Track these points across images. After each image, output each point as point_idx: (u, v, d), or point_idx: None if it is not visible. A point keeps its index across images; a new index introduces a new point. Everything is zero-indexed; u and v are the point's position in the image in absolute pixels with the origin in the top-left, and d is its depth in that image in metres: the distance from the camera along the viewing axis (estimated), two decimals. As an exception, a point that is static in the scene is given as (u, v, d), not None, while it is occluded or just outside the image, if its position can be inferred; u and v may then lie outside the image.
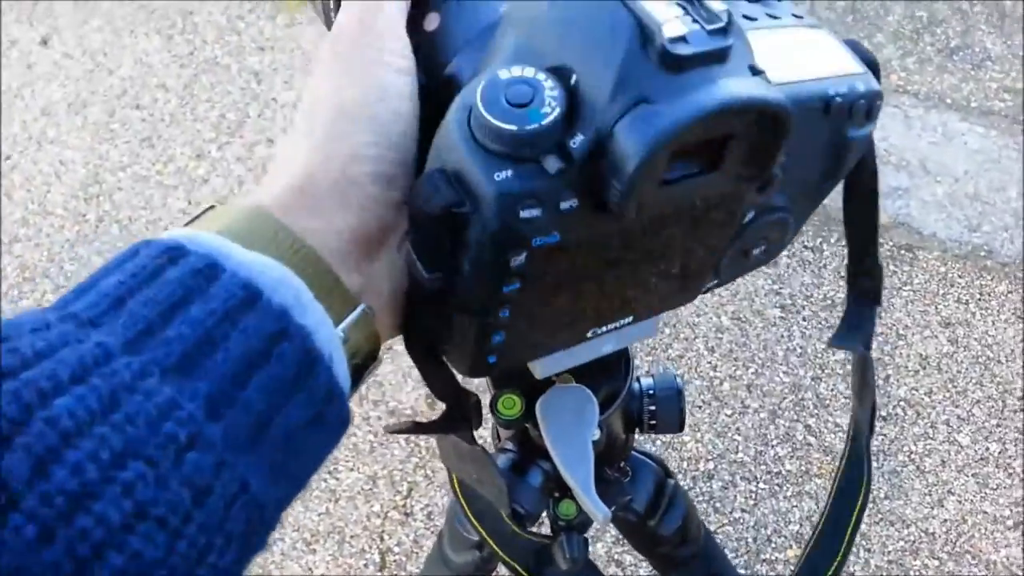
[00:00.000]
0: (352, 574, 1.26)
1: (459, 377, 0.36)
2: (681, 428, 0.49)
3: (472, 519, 0.54)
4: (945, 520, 1.29)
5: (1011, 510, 1.29)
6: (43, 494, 0.19)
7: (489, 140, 0.26)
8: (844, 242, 0.44)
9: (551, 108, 0.25)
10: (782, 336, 1.47)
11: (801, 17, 0.34)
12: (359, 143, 0.29)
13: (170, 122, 1.85)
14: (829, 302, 1.50)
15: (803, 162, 0.33)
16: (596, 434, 0.39)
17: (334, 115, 0.29)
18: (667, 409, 0.48)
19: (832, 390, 1.41)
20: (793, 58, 0.32)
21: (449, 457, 0.52)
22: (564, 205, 0.26)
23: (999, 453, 1.34)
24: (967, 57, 1.87)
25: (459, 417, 0.40)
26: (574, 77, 0.26)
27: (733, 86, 0.25)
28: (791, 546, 1.29)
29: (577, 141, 0.25)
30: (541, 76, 0.26)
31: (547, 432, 0.39)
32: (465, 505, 0.54)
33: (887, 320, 1.49)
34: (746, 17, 0.32)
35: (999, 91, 1.80)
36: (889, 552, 1.27)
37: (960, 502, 1.30)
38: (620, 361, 0.42)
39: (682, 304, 0.36)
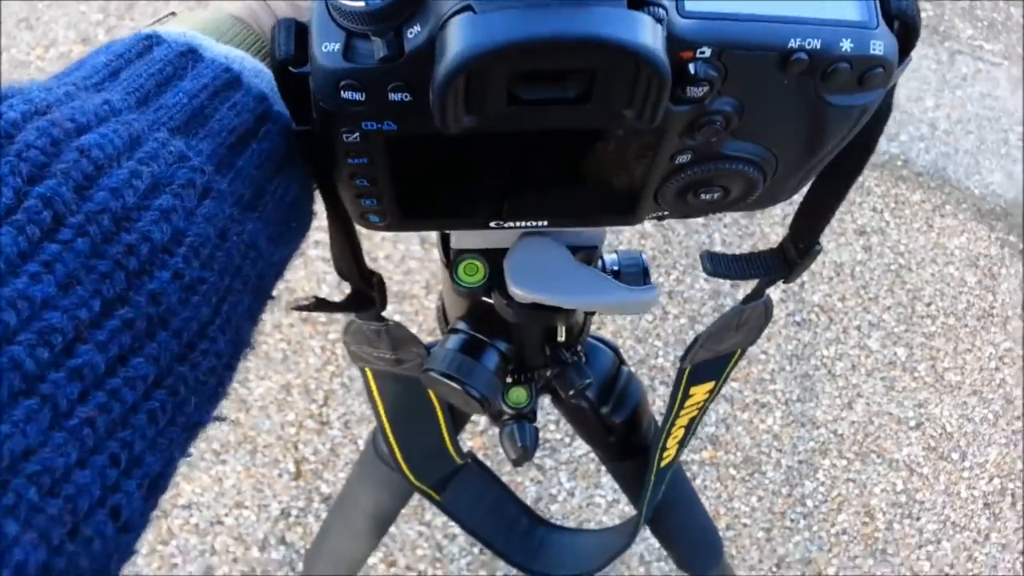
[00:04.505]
0: (265, 483, 1.21)
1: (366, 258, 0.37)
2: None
3: (391, 436, 0.51)
4: (853, 422, 1.33)
5: (914, 411, 1.35)
6: (88, 213, 0.20)
7: (332, 6, 0.24)
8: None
9: None
10: (704, 242, 1.46)
11: None
12: None
13: (51, 1, 1.68)
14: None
15: (774, 117, 0.27)
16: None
17: None
18: (632, 288, 0.44)
19: (751, 296, 1.43)
20: None
21: (362, 349, 0.49)
22: (394, 96, 0.24)
23: (906, 358, 1.39)
24: (890, -34, 1.86)
25: (364, 297, 0.40)
26: None
27: (574, 16, 0.21)
28: (707, 447, 1.31)
29: (413, 32, 0.23)
30: None
31: (524, 287, 0.35)
32: (385, 416, 0.52)
33: (805, 228, 1.50)
34: None
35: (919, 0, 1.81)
36: (800, 452, 1.30)
37: (868, 404, 1.35)
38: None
39: (623, 224, 0.33)
